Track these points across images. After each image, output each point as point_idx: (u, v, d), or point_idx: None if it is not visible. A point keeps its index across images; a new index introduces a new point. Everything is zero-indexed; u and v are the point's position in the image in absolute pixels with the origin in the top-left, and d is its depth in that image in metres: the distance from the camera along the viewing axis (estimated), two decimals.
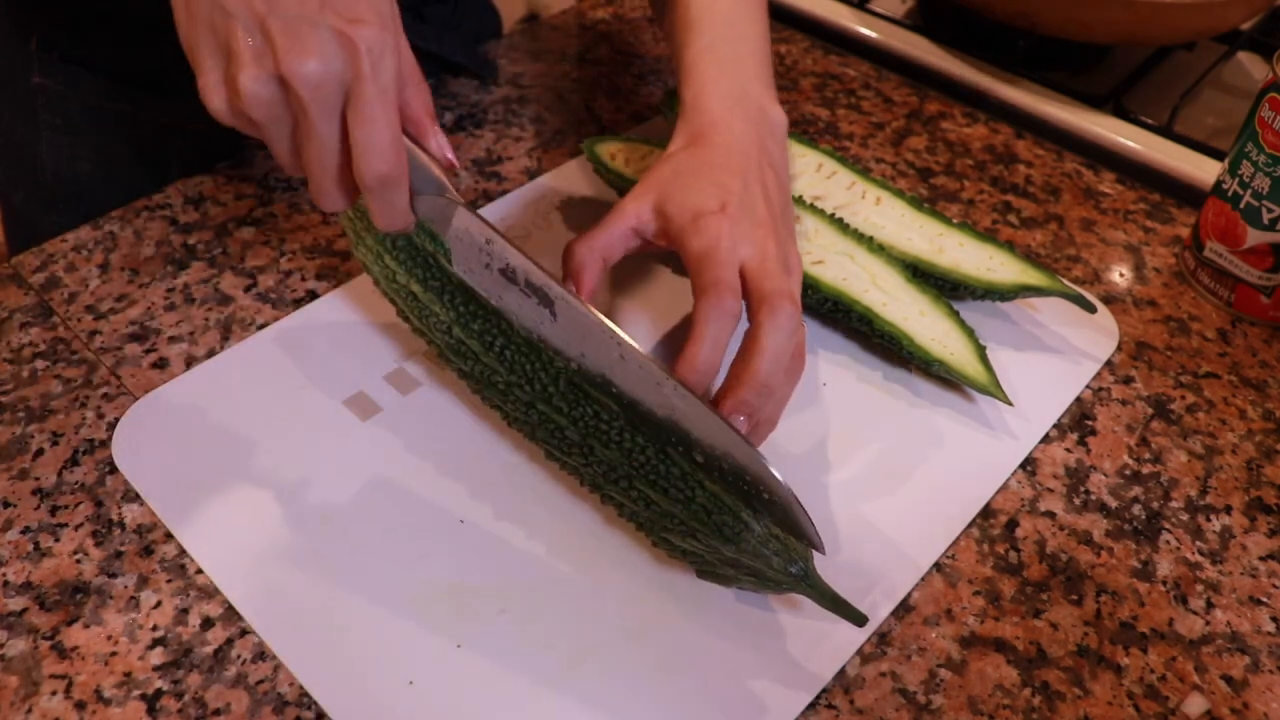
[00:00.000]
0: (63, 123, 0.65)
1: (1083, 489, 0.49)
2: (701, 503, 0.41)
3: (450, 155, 0.44)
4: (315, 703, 0.39)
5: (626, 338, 0.42)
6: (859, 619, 0.40)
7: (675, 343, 0.53)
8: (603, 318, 0.42)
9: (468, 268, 0.46)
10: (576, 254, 0.47)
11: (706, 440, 0.41)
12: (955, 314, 0.52)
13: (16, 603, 0.42)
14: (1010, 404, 0.51)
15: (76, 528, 0.45)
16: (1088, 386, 0.53)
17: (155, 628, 0.41)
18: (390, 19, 0.40)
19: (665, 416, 0.42)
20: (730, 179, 0.47)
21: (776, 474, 0.39)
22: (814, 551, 0.41)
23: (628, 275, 0.58)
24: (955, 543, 0.46)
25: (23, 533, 0.45)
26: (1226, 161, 0.56)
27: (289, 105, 0.38)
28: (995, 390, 0.50)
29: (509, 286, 0.45)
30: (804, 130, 0.71)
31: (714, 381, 0.44)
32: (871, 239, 0.54)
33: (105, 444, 0.48)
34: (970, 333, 0.52)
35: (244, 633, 0.41)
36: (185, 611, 0.42)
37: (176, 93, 0.66)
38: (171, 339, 0.53)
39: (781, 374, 0.43)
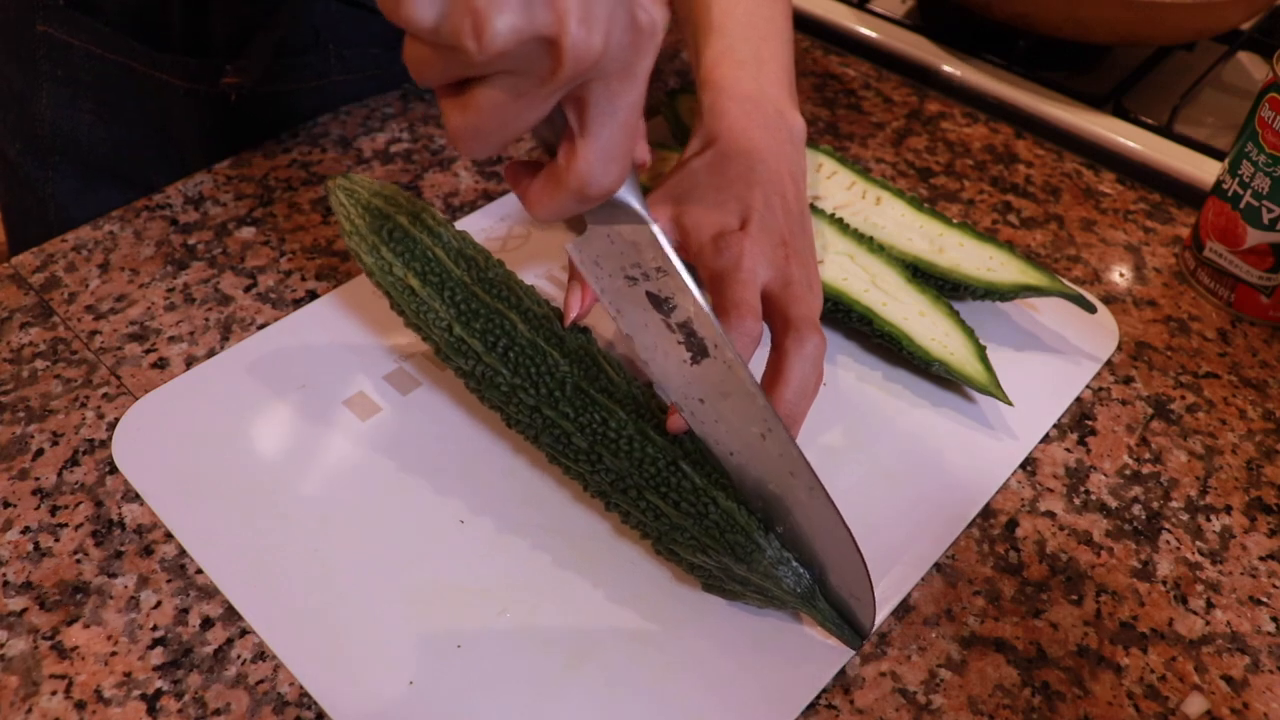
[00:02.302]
0: (64, 74, 0.65)
1: (1083, 489, 0.49)
2: (714, 519, 0.40)
3: (646, 155, 0.40)
4: (315, 703, 0.39)
5: (777, 419, 0.39)
6: (855, 642, 0.40)
7: None
8: (761, 393, 0.39)
9: (595, 262, 0.40)
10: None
11: (808, 531, 0.40)
12: (955, 314, 0.52)
13: (16, 603, 0.42)
14: (1010, 404, 0.51)
15: (76, 528, 0.45)
16: (1088, 386, 0.53)
17: (155, 628, 0.41)
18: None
19: (769, 492, 0.41)
20: (750, 192, 0.46)
21: (872, 583, 0.40)
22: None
23: None
24: (955, 543, 0.46)
25: (23, 533, 0.45)
26: (1226, 161, 0.56)
27: (531, 66, 0.29)
28: (995, 390, 0.50)
29: (647, 310, 0.40)
30: None
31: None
32: (871, 239, 0.54)
33: (105, 444, 0.48)
34: (970, 333, 0.52)
35: (244, 633, 0.41)
36: (185, 611, 0.42)
37: (182, 50, 0.65)
38: (171, 339, 0.53)
39: (807, 402, 0.43)
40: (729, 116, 0.49)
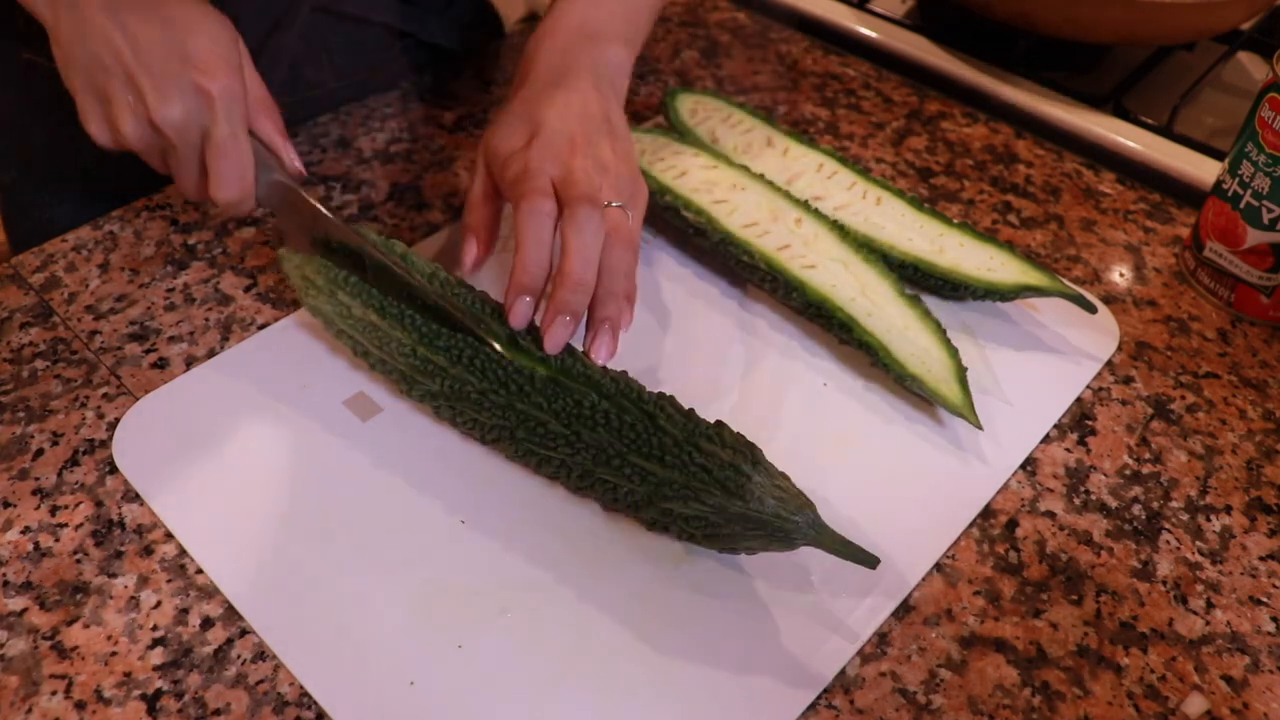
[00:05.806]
0: (55, 101, 0.65)
1: (1083, 489, 0.49)
2: (700, 463, 0.41)
3: (299, 166, 0.53)
4: (315, 703, 0.39)
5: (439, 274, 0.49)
6: (871, 561, 0.40)
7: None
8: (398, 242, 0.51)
9: (309, 245, 0.53)
10: (465, 220, 0.52)
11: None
12: (942, 332, 0.51)
13: (16, 603, 0.42)
14: (981, 428, 0.49)
15: (76, 528, 0.45)
16: (1088, 386, 0.54)
17: (155, 628, 0.42)
18: (238, 68, 0.48)
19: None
20: (543, 111, 0.50)
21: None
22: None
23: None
24: (955, 543, 0.46)
25: (23, 533, 0.45)
26: (1226, 161, 0.56)
27: (160, 141, 0.48)
28: (967, 413, 0.49)
29: (342, 255, 0.51)
30: (804, 130, 0.71)
31: (547, 280, 0.47)
32: (870, 248, 0.54)
33: (105, 444, 0.48)
34: (954, 353, 0.50)
35: (244, 633, 0.41)
36: (185, 611, 0.42)
37: None
38: (171, 339, 0.53)
39: (595, 269, 0.46)
40: (540, 51, 0.54)
